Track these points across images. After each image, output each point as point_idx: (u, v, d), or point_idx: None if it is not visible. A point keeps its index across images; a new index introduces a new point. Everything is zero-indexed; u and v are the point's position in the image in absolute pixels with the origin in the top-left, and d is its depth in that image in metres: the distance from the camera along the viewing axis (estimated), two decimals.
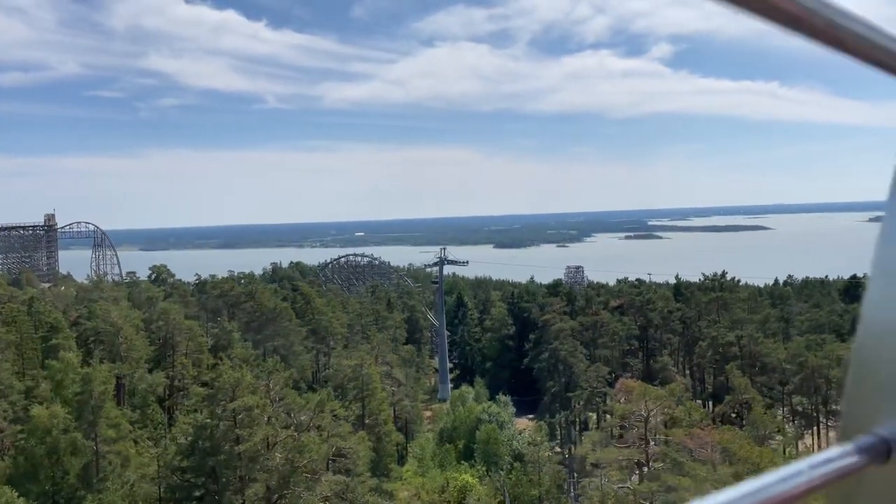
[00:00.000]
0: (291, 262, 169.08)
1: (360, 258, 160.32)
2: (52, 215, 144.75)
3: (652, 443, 42.88)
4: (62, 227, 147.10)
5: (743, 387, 64.38)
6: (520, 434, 78.65)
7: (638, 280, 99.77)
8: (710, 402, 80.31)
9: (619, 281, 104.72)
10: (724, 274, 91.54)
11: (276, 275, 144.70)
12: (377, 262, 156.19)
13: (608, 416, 74.85)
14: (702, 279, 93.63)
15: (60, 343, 59.98)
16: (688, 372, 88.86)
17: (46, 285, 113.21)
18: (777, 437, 62.76)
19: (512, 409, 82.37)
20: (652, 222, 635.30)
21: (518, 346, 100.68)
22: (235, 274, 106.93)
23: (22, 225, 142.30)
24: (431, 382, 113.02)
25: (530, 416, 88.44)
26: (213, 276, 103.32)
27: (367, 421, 60.57)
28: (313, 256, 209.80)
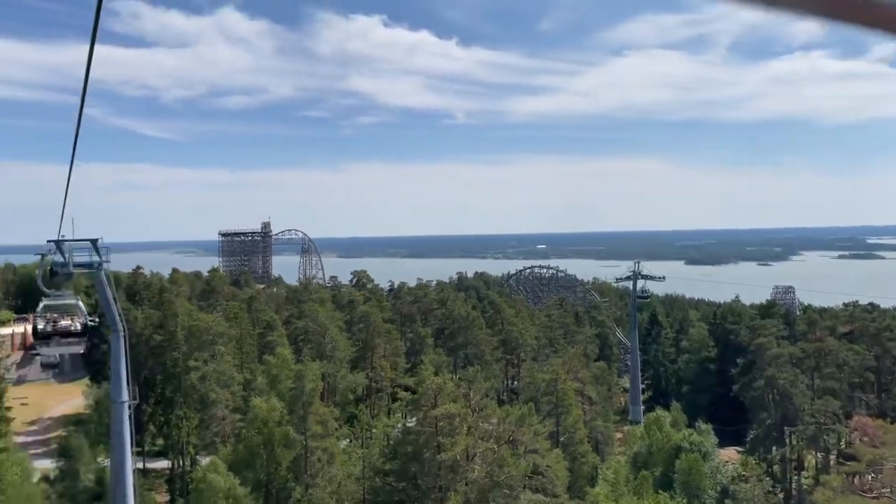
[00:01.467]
0: (476, 272, 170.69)
1: (544, 270, 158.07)
2: (268, 223, 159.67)
3: None
4: (275, 234, 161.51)
5: None
6: (724, 466, 71.52)
7: (871, 304, 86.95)
8: None
9: (845, 304, 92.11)
10: None
11: (461, 284, 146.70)
12: (562, 275, 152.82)
13: (833, 457, 65.43)
14: None
15: (275, 340, 64.34)
16: None
17: (261, 286, 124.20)
18: None
19: (714, 439, 75.11)
20: (871, 240, 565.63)
21: (720, 371, 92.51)
22: (424, 282, 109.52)
23: (243, 231, 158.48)
24: (621, 402, 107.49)
25: (736, 447, 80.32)
26: (403, 284, 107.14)
27: (561, 439, 57.91)
28: (496, 267, 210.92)
